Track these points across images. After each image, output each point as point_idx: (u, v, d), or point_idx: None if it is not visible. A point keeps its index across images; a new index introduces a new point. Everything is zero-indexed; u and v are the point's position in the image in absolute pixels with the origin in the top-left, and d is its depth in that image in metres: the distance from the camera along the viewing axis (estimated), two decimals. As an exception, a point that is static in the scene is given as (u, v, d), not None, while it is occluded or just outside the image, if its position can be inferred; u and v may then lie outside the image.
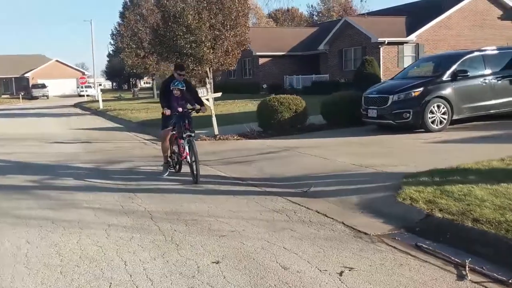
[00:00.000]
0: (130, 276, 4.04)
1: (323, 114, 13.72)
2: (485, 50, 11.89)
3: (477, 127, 11.32)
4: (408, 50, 27.90)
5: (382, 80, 26.00)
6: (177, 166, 8.48)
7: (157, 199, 6.71)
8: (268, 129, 12.87)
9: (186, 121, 7.91)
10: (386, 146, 9.70)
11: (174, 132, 8.33)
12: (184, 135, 7.81)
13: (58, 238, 5.09)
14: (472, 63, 11.52)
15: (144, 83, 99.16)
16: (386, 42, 26.79)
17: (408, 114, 10.89)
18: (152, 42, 27.42)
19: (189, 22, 23.59)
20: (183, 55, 24.94)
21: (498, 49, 12.03)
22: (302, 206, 6.02)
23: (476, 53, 11.72)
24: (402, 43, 27.45)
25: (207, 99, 12.54)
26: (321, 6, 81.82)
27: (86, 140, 14.45)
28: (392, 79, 13.18)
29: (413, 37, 27.22)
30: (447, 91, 11.08)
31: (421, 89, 10.93)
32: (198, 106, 8.17)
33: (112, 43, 44.24)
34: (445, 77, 11.18)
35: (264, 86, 36.87)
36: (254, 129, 13.02)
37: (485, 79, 11.47)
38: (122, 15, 38.19)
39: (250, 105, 24.46)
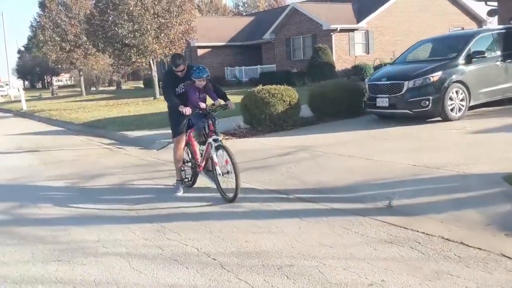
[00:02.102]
0: None
1: (312, 106, 12.22)
2: (493, 29, 10.97)
3: (495, 112, 10.40)
4: (358, 37, 27.18)
5: (336, 69, 25.14)
6: (192, 180, 6.58)
7: (201, 231, 4.85)
8: (258, 125, 11.16)
9: (210, 121, 6.04)
10: (423, 140, 8.37)
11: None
12: (210, 140, 5.93)
13: (109, 324, 3.14)
14: (484, 43, 10.54)
15: (57, 80, 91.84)
16: (338, 30, 25.82)
17: (427, 102, 9.65)
18: (86, 32, 24.56)
19: (131, 8, 21.14)
20: (124, 45, 22.49)
21: (504, 28, 11.13)
22: (413, 230, 4.45)
23: (487, 32, 10.76)
24: (352, 30, 26.66)
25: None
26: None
27: (33, 149, 11.92)
28: (393, 64, 11.92)
29: (363, 23, 26.51)
30: (465, 75, 9.99)
31: (440, 73, 9.74)
32: (220, 101, 6.28)
33: (31, 36, 39.71)
34: (460, 60, 10.07)
35: (205, 78, 34.82)
36: (242, 126, 11.26)
37: (497, 61, 10.54)
38: (42, 5, 34.26)
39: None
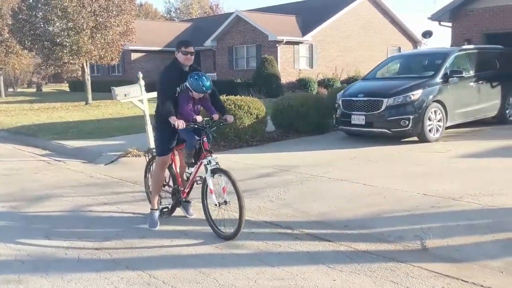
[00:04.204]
0: None
1: (276, 120, 11.36)
2: (467, 49, 10.71)
3: (469, 134, 10.10)
4: (303, 51, 26.81)
5: (281, 81, 24.54)
6: (171, 208, 5.38)
7: (207, 285, 3.72)
8: (221, 139, 10.07)
9: (205, 139, 4.90)
10: (411, 163, 7.69)
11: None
12: (205, 162, 4.79)
13: None
14: (460, 62, 10.24)
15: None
16: (284, 41, 25.28)
17: (407, 122, 9.09)
18: (11, 28, 22.16)
19: (65, 4, 19.26)
20: (55, 44, 20.48)
21: (476, 48, 10.92)
22: (477, 285, 3.63)
23: (462, 52, 10.46)
24: (298, 43, 26.24)
25: (141, 101, 9.34)
26: (179, 2, 78.49)
27: (-50, 158, 10.01)
28: (364, 79, 11.31)
29: (309, 37, 26.17)
30: (442, 94, 9.57)
31: (420, 91, 9.23)
32: (217, 115, 5.12)
33: None
34: (438, 79, 9.64)
35: (139, 84, 33.01)
36: (203, 140, 10.09)
37: (471, 81, 10.27)
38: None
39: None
